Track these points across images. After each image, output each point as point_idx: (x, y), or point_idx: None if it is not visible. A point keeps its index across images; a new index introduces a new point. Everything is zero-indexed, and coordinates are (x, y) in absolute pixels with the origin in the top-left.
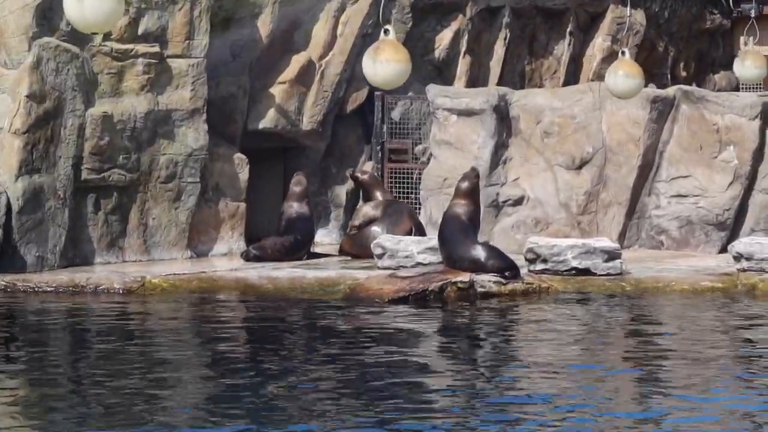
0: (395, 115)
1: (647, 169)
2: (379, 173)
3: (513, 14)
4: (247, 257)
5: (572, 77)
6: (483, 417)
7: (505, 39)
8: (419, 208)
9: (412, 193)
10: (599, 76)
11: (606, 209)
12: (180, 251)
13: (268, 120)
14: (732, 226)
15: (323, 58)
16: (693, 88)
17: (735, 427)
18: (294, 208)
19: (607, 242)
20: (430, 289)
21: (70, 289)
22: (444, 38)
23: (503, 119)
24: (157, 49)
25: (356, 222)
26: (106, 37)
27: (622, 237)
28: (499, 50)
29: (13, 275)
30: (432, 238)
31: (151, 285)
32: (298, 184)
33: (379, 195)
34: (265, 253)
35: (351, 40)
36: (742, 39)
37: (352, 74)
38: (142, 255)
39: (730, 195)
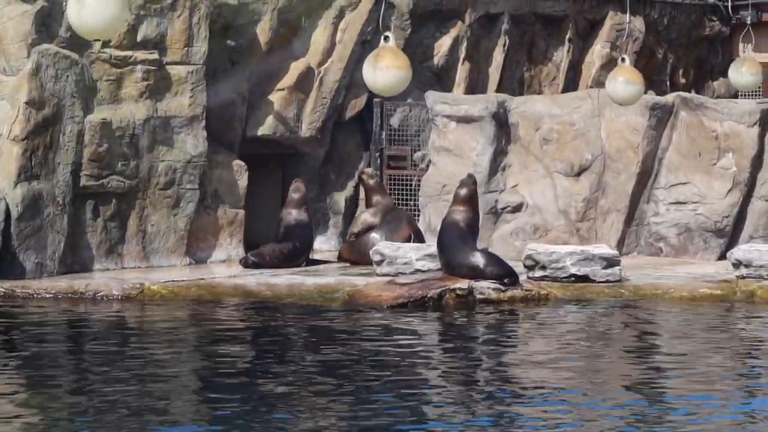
0: (394, 121)
1: (646, 176)
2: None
3: (512, 21)
4: (245, 264)
5: (571, 84)
6: (481, 425)
7: (504, 46)
8: (418, 215)
9: (410, 199)
10: (598, 83)
11: (605, 216)
12: (179, 258)
13: (266, 127)
14: (731, 233)
15: (322, 64)
16: (692, 95)
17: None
18: (293, 214)
19: (606, 249)
20: (429, 295)
21: (69, 295)
22: (443, 45)
23: (502, 126)
24: (156, 55)
25: (355, 229)
26: (105, 44)
27: (620, 244)
28: (498, 57)
29: (12, 281)
30: (431, 245)
31: (149, 292)
32: (296, 190)
33: (379, 199)
34: (263, 259)
35: (350, 46)
36: (740, 46)
37: (351, 81)
38: (140, 262)
39: (729, 202)
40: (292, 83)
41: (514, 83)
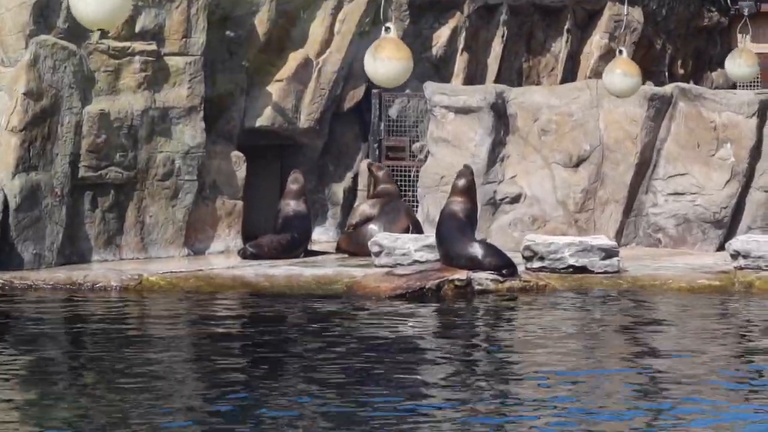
0: (392, 112)
1: (644, 166)
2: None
3: (510, 11)
4: (244, 255)
5: (570, 75)
6: (480, 418)
7: (502, 36)
8: (416, 206)
9: (409, 190)
10: (597, 74)
11: (603, 207)
12: (177, 249)
13: (265, 118)
14: (729, 224)
15: (320, 55)
16: (690, 85)
17: (731, 425)
18: (291, 206)
19: (604, 240)
20: (427, 286)
21: (68, 286)
22: (441, 35)
23: (501, 117)
24: (154, 46)
25: (353, 220)
26: (104, 34)
27: (619, 235)
28: (496, 47)
29: (10, 273)
30: (429, 236)
31: (148, 283)
32: (295, 181)
33: (388, 188)
34: (262, 250)
35: (348, 37)
36: (738, 37)
37: (350, 72)
38: (139, 253)
39: (728, 193)
40: (291, 74)
41: (512, 74)
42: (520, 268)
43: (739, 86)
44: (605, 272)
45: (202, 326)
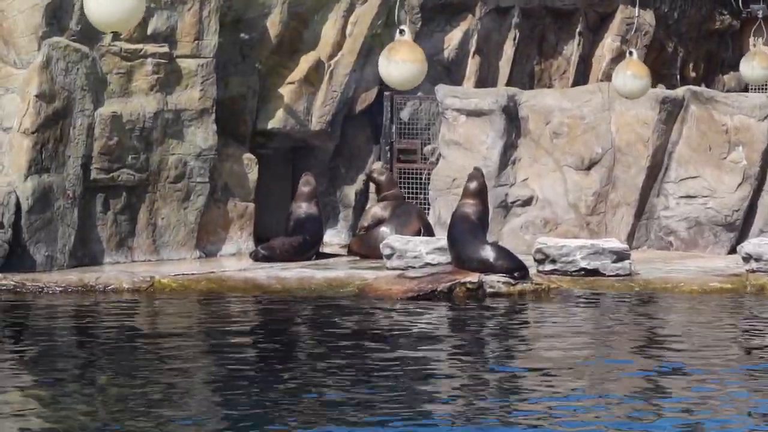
0: (404, 115)
1: (656, 169)
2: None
3: (522, 14)
4: (255, 257)
5: (581, 77)
6: (487, 420)
7: (514, 39)
8: (428, 209)
9: (420, 193)
10: (608, 77)
11: (615, 210)
12: (189, 251)
13: (277, 120)
14: (741, 227)
15: (332, 58)
16: (702, 88)
17: (743, 427)
18: (303, 208)
19: (616, 243)
20: (438, 289)
21: (80, 288)
22: (453, 38)
23: (512, 120)
24: (166, 49)
25: (365, 222)
26: (116, 36)
27: (630, 238)
28: (508, 50)
29: (22, 275)
30: (441, 239)
31: (160, 285)
32: (306, 184)
33: (393, 193)
34: (273, 253)
35: (360, 40)
36: (750, 40)
37: (362, 74)
38: (151, 255)
39: (739, 196)
40: (303, 76)
41: (524, 77)
42: (532, 271)
43: (751, 89)
44: (617, 275)
45: (213, 329)
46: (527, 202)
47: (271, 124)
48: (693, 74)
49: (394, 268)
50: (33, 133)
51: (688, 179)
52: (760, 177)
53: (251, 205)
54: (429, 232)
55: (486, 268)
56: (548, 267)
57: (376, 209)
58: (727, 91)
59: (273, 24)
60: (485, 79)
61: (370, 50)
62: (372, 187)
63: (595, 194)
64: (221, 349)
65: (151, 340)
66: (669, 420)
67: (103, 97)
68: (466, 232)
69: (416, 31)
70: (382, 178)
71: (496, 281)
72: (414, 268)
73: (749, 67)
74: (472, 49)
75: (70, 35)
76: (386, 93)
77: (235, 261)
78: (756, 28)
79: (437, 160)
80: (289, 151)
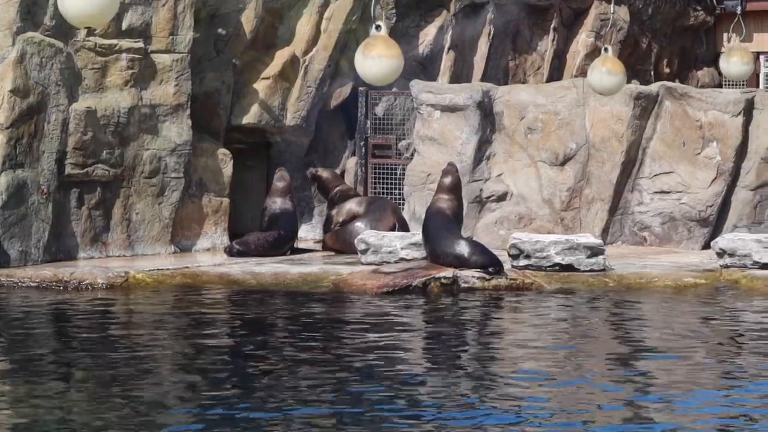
0: (379, 110)
1: (630, 165)
2: (363, 169)
3: (497, 10)
4: (230, 252)
5: (556, 73)
6: (465, 414)
7: (488, 35)
8: (403, 204)
9: (395, 188)
10: (583, 72)
11: (589, 205)
12: (163, 246)
13: (251, 115)
14: (715, 223)
15: (307, 53)
16: (676, 84)
17: (718, 423)
18: (277, 203)
19: (590, 238)
20: (413, 284)
21: (54, 284)
22: (428, 34)
23: (487, 115)
24: (141, 44)
25: (340, 218)
26: (90, 32)
27: (605, 233)
28: (482, 46)
29: None
30: (415, 234)
31: (134, 280)
32: (281, 179)
33: (341, 188)
34: (248, 248)
35: (335, 35)
36: (725, 36)
37: (336, 70)
38: (125, 250)
39: (713, 191)
40: (277, 72)
41: (498, 72)
42: (506, 266)
43: (725, 85)
44: (591, 270)
45: (187, 324)
46: (502, 198)
47: (246, 119)
48: (667, 70)
49: (369, 264)
50: (7, 128)
51: (662, 175)
52: (733, 173)
53: (226, 200)
54: (404, 227)
55: (461, 263)
56: (522, 262)
57: (350, 204)
58: (701, 87)
59: (248, 19)
60: (460, 75)
61: (345, 46)
62: (349, 179)
63: (570, 190)
64: (194, 347)
65: (125, 337)
66: (648, 398)
67: (77, 92)
68: (440, 228)
69: (391, 27)
70: (326, 174)
71: (470, 276)
72: (389, 263)
73: (729, 64)
74: (447, 45)
75: (45, 30)
76: (361, 88)
77: (210, 256)
78: (735, 24)
79: (412, 155)
80: (263, 146)
